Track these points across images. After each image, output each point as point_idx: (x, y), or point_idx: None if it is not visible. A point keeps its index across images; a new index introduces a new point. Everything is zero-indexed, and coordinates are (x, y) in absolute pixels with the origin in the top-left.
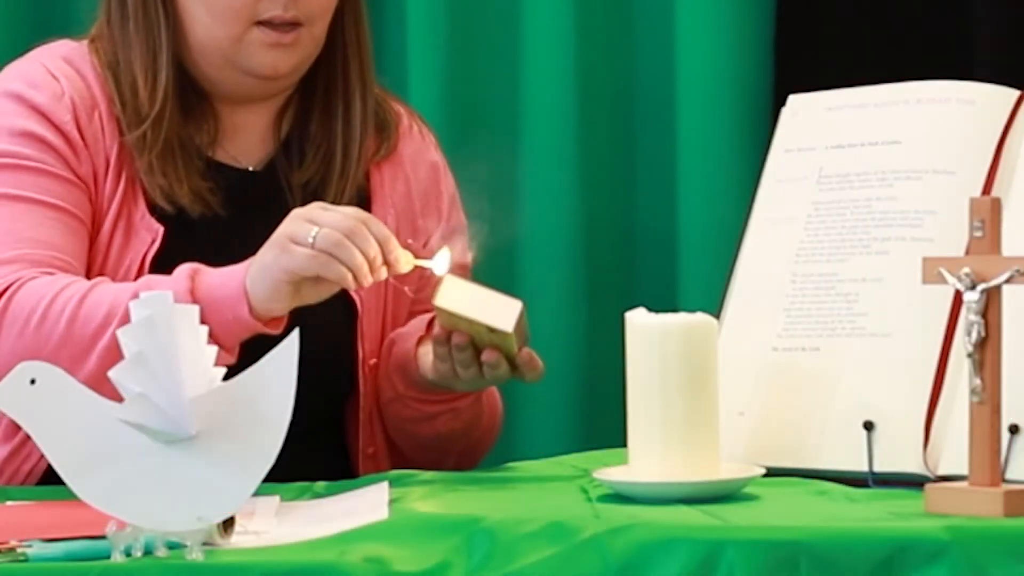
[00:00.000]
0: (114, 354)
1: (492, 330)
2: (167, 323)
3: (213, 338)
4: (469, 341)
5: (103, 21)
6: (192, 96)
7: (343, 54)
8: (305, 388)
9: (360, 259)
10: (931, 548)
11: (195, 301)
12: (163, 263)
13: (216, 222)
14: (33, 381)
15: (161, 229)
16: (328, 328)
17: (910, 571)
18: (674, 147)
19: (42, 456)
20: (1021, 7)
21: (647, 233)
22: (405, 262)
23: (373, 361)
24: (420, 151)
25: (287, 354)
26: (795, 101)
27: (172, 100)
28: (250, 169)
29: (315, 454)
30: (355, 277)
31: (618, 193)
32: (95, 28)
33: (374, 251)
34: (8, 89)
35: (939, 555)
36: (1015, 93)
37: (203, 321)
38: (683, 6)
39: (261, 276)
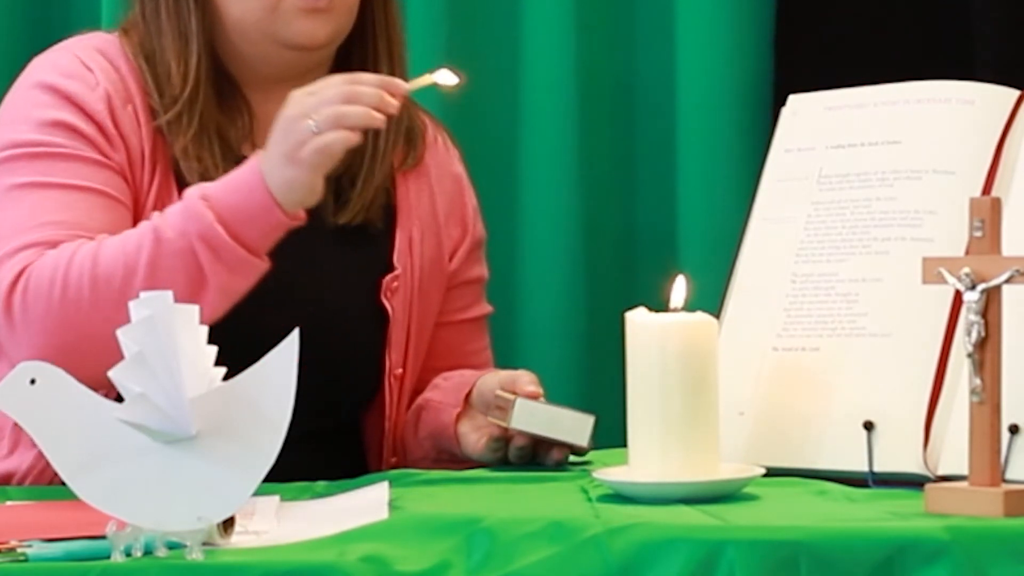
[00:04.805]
0: None
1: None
2: (167, 323)
3: (247, 248)
4: (530, 443)
5: (136, 13)
6: (225, 85)
7: (372, 35)
8: (329, 396)
9: (365, 110)
10: (931, 548)
11: (225, 228)
12: None
13: None
14: (33, 381)
15: None
16: (355, 336)
17: (910, 571)
18: (674, 147)
19: None
20: (1021, 7)
21: (647, 233)
22: (407, 88)
23: (399, 371)
24: (445, 163)
25: (287, 354)
26: (795, 101)
27: (205, 84)
28: None
29: (330, 460)
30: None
31: (618, 193)
32: (126, 21)
33: (376, 99)
34: (41, 80)
35: (939, 555)
36: (1015, 93)
37: (233, 236)
38: (683, 6)
39: (290, 188)
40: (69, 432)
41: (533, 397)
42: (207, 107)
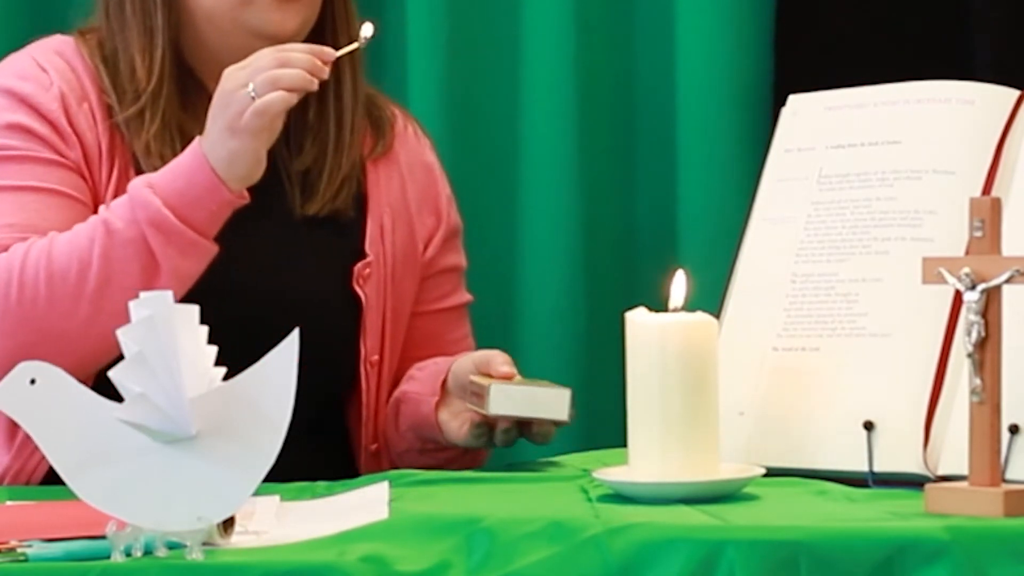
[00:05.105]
0: (103, 295)
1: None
2: (167, 323)
3: (196, 230)
4: (514, 424)
5: (101, 13)
6: (189, 81)
7: (333, 28)
8: (306, 384)
9: (299, 72)
10: (931, 548)
11: (173, 211)
12: None
13: None
14: (33, 381)
15: None
16: (330, 324)
17: (910, 571)
18: (674, 147)
19: (43, 458)
20: (1021, 7)
21: (647, 233)
22: (336, 55)
23: (375, 358)
24: (415, 152)
25: (287, 354)
26: (795, 101)
27: (169, 80)
28: None
29: (316, 451)
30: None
31: (618, 193)
32: (85, 25)
33: (308, 63)
34: None
35: (939, 555)
36: (1015, 93)
37: (181, 219)
38: (683, 6)
39: (233, 161)
40: (69, 432)
41: (508, 378)
42: (170, 103)
